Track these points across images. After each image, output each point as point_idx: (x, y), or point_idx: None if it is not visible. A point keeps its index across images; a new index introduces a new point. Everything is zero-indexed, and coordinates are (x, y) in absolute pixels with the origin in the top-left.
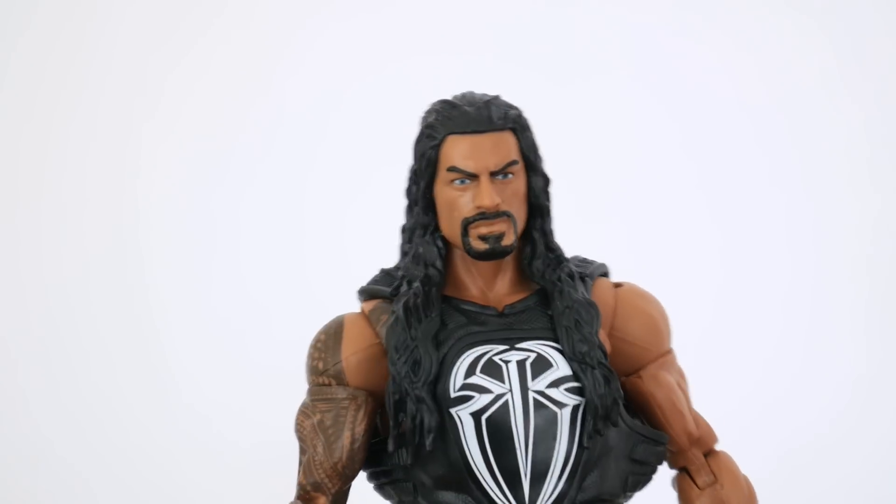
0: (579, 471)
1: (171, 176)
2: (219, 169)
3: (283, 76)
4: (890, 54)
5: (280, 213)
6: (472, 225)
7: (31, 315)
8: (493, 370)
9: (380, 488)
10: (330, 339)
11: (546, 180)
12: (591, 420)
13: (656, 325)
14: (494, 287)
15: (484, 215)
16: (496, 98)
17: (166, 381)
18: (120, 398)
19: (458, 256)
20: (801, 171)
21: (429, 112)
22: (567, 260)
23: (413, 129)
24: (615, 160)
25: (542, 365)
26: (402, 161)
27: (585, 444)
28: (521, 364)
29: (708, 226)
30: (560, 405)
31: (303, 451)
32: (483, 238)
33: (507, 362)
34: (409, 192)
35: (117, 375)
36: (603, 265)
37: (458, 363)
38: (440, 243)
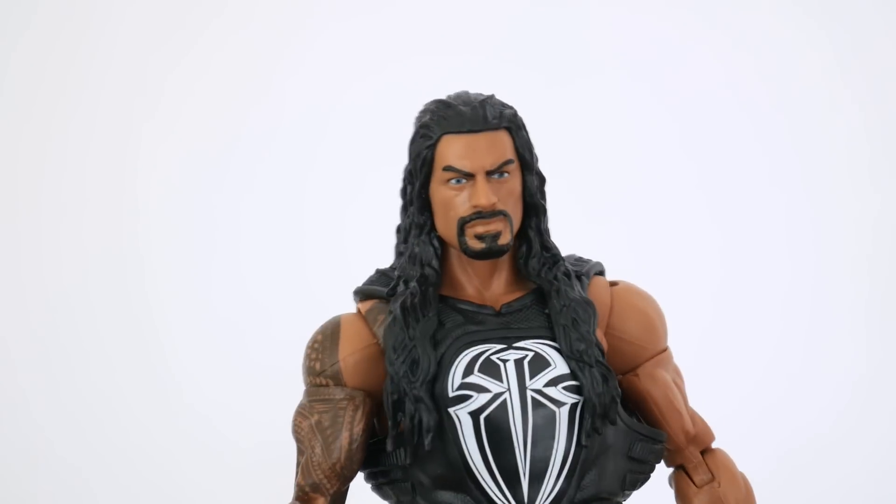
0: (578, 469)
1: (171, 176)
2: (218, 169)
3: (283, 76)
4: (890, 54)
5: (280, 214)
6: (469, 224)
7: (31, 315)
8: (491, 369)
9: (378, 488)
10: (327, 339)
11: (541, 179)
12: (590, 419)
13: (652, 323)
14: (491, 286)
15: (480, 214)
16: (491, 97)
17: (166, 381)
18: (120, 398)
19: (454, 256)
20: (801, 171)
21: (423, 112)
22: (563, 259)
23: (411, 130)
24: (615, 160)
25: (539, 364)
26: (402, 161)
27: (584, 443)
28: (518, 363)
29: (708, 226)
30: (558, 404)
31: (300, 452)
32: (479, 237)
33: (504, 361)
34: (404, 192)
35: (117, 375)
36: (599, 263)
37: (456, 362)
38: (436, 243)
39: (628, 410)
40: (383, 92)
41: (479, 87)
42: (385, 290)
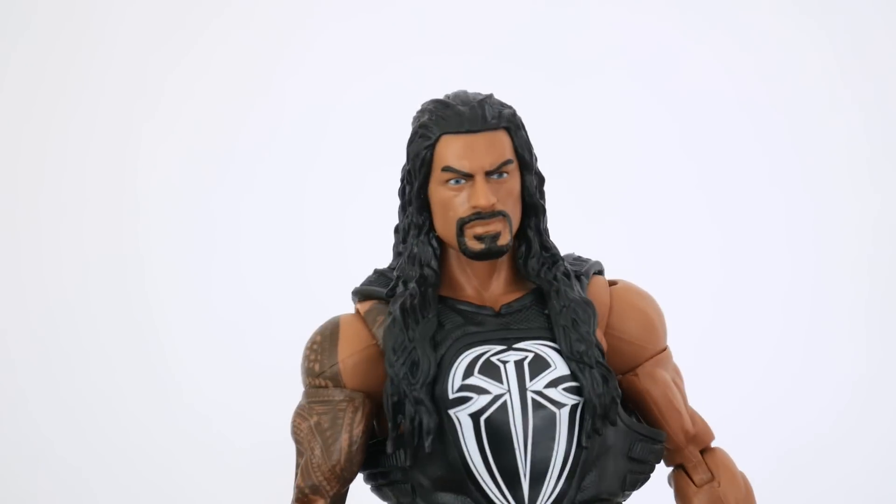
0: (578, 470)
1: (171, 176)
2: (218, 169)
3: (283, 76)
4: (890, 54)
5: (280, 214)
6: (468, 225)
7: (31, 315)
8: (491, 371)
9: (377, 489)
10: (326, 340)
11: (540, 179)
12: (590, 419)
13: (652, 322)
14: (490, 287)
15: (479, 215)
16: (489, 97)
17: (166, 381)
18: (120, 398)
19: (453, 256)
20: (801, 171)
21: (421, 111)
22: (562, 258)
23: (410, 130)
24: (615, 160)
25: (540, 365)
26: (402, 161)
27: (584, 444)
28: (519, 364)
29: (708, 226)
30: (558, 405)
31: (300, 454)
32: (479, 238)
33: (504, 363)
34: (402, 193)
35: (117, 375)
36: (598, 263)
37: (456, 364)
38: (435, 243)
39: (627, 410)
40: (383, 92)
41: (478, 87)
42: (384, 290)
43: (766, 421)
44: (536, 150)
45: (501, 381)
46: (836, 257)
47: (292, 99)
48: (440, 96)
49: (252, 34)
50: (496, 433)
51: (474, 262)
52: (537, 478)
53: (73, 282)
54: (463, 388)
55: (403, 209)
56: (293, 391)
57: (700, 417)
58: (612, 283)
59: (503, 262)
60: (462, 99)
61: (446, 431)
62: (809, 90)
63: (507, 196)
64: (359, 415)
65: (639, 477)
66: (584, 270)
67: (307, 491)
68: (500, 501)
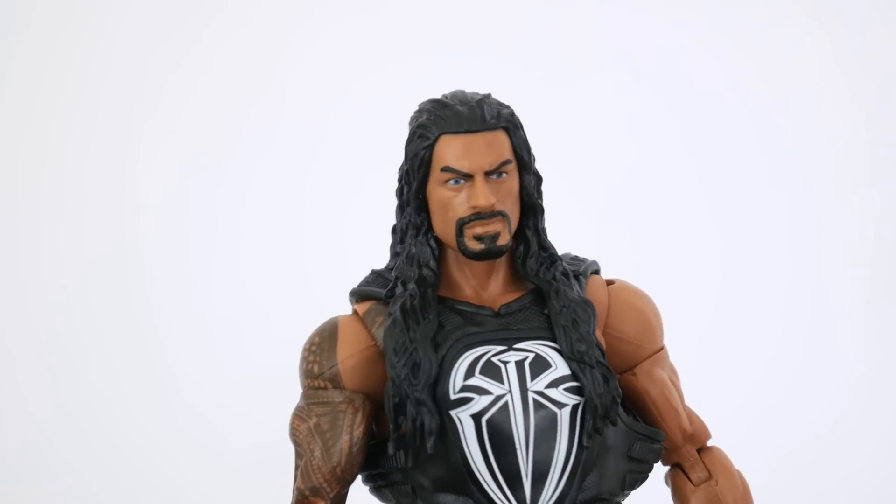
0: (579, 470)
1: (170, 176)
2: (218, 169)
3: (283, 76)
4: (890, 54)
5: (279, 214)
6: (468, 225)
7: (31, 315)
8: (492, 371)
9: (377, 491)
10: (325, 341)
11: (538, 179)
12: (591, 419)
13: (649, 322)
14: (488, 287)
15: (479, 215)
16: (488, 97)
17: (166, 381)
18: (120, 398)
19: (451, 256)
20: (802, 171)
21: (419, 111)
22: (560, 258)
23: (407, 130)
24: (615, 159)
25: (540, 365)
26: (401, 161)
27: (585, 444)
28: (519, 364)
29: (708, 225)
30: (559, 405)
31: (299, 456)
32: (479, 238)
33: (505, 363)
34: (400, 193)
35: (117, 375)
36: (594, 262)
37: (456, 365)
38: (433, 243)
39: (626, 410)
40: (383, 92)
41: (478, 86)
42: (382, 291)
43: (767, 421)
44: (535, 150)
45: (502, 382)
46: (837, 257)
47: (292, 99)
48: (437, 96)
49: (252, 34)
50: (498, 434)
51: (473, 262)
52: (539, 478)
53: (73, 282)
54: (464, 388)
55: (401, 209)
56: (293, 391)
57: (697, 416)
58: (609, 283)
59: (501, 262)
60: (460, 99)
61: (448, 432)
62: (809, 90)
63: (506, 196)
64: (359, 416)
65: (638, 476)
66: (582, 270)
67: (307, 493)
68: (502, 502)
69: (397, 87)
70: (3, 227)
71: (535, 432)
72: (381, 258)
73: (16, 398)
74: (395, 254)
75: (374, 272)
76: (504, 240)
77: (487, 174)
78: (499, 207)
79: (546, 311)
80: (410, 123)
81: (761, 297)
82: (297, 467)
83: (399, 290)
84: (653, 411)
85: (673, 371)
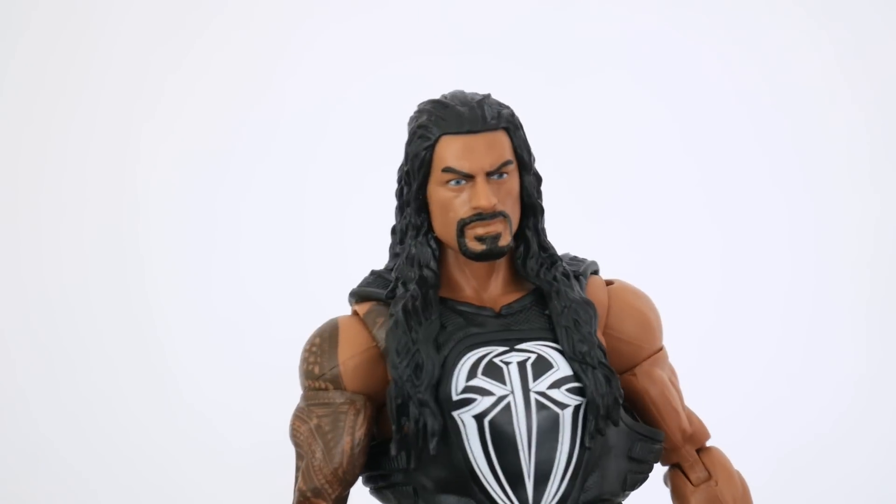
0: (581, 471)
1: (170, 176)
2: (218, 169)
3: (283, 76)
4: (890, 54)
5: (279, 214)
6: (469, 226)
7: (31, 315)
8: (494, 372)
9: (377, 492)
10: (325, 342)
11: (538, 179)
12: (593, 420)
13: (649, 322)
14: (488, 287)
15: (480, 216)
16: (488, 97)
17: (166, 381)
18: (120, 398)
19: (451, 257)
20: (802, 171)
21: (419, 112)
22: (560, 259)
23: (407, 130)
24: (615, 159)
25: (542, 366)
26: (401, 161)
27: (588, 445)
28: (521, 365)
29: (708, 226)
30: (562, 406)
31: (300, 457)
32: (480, 239)
33: (507, 364)
34: (400, 193)
35: (117, 375)
36: (594, 263)
37: (459, 366)
38: (434, 244)
39: (626, 410)
40: (383, 91)
41: (478, 86)
42: (382, 291)
43: (767, 421)
44: (536, 150)
45: (504, 383)
46: (837, 257)
47: (292, 99)
48: (437, 96)
49: (252, 34)
50: (500, 435)
51: (473, 262)
52: (541, 479)
53: (73, 281)
54: (466, 389)
55: (401, 210)
56: (293, 391)
57: (696, 416)
58: (608, 283)
59: (501, 262)
60: (461, 99)
61: (450, 433)
62: (809, 90)
63: (506, 196)
64: (360, 417)
65: (639, 477)
66: (582, 270)
67: (309, 494)
68: (504, 503)
69: (397, 87)
70: (3, 227)
71: (538, 433)
72: (380, 258)
73: (16, 398)
74: (394, 254)
75: (373, 273)
76: (505, 240)
77: (488, 175)
78: (500, 208)
79: (547, 312)
80: (410, 124)
81: (761, 297)
82: (297, 468)
83: (400, 290)
84: (652, 411)
85: (672, 371)
